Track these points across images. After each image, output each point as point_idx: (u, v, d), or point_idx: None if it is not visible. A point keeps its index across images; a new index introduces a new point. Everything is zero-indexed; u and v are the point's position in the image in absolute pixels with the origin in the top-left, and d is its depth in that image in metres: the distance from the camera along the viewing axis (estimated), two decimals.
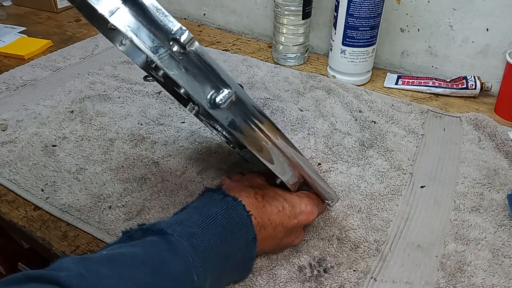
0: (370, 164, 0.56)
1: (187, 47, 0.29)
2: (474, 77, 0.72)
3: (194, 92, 0.31)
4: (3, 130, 0.63)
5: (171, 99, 0.70)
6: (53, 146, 0.59)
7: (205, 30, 1.01)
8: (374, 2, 0.66)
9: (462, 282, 0.41)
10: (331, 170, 0.55)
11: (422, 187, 0.53)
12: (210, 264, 0.34)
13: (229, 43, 0.94)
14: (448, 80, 0.74)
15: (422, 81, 0.75)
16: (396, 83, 0.76)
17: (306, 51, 0.84)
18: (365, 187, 0.52)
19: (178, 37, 0.29)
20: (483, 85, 0.70)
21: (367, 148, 0.59)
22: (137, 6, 0.28)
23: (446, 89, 0.72)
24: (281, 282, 0.41)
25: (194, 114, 0.45)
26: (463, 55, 0.74)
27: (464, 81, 0.72)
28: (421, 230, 0.47)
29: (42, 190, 0.52)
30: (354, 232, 0.46)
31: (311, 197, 0.44)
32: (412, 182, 0.53)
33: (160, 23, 0.29)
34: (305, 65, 0.84)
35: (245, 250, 0.38)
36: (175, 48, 0.29)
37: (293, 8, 0.75)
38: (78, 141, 0.60)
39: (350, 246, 0.45)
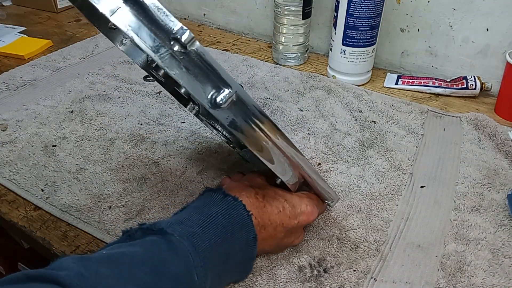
0: (370, 164, 0.56)
1: (188, 47, 0.29)
2: (474, 77, 0.72)
3: (194, 91, 0.31)
4: (3, 130, 0.63)
5: (171, 99, 0.70)
6: (53, 146, 0.59)
7: (205, 30, 1.01)
8: (374, 2, 0.66)
9: (462, 282, 0.41)
10: (331, 170, 0.55)
11: (422, 187, 0.53)
12: (211, 264, 0.34)
13: (229, 43, 0.94)
14: (448, 80, 0.74)
15: (422, 81, 0.75)
16: (396, 83, 0.76)
17: (306, 51, 0.84)
18: (365, 187, 0.52)
19: (179, 37, 0.29)
20: (483, 85, 0.71)
21: (367, 148, 0.59)
22: (138, 6, 0.28)
23: (446, 89, 0.72)
24: (281, 282, 0.41)
25: (194, 114, 0.45)
26: (463, 55, 0.74)
27: (464, 81, 0.72)
28: (421, 230, 0.47)
29: (42, 190, 0.52)
30: (354, 232, 0.46)
31: (311, 197, 0.44)
32: (412, 182, 0.53)
33: (161, 22, 0.29)
34: (305, 65, 0.84)
35: (246, 250, 0.38)
36: (176, 48, 0.29)
37: (293, 8, 0.75)
38: (78, 141, 0.60)
39: (350, 246, 0.45)
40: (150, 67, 0.43)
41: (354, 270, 0.42)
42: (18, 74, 0.78)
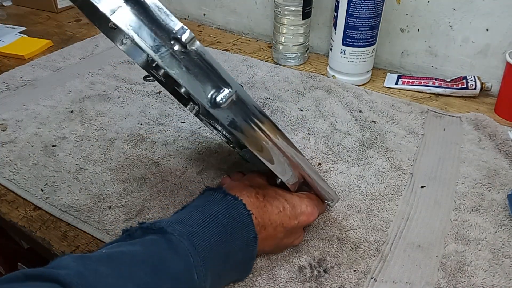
0: (370, 164, 0.56)
1: (188, 46, 0.29)
2: (474, 77, 0.72)
3: (194, 91, 0.31)
4: (3, 130, 0.63)
5: (171, 99, 0.70)
6: (53, 146, 0.59)
7: (205, 30, 1.01)
8: (374, 2, 0.66)
9: (462, 282, 0.41)
10: (331, 170, 0.55)
11: (422, 187, 0.53)
12: (211, 264, 0.34)
13: (229, 43, 0.94)
14: (448, 80, 0.74)
15: (422, 81, 0.75)
16: (396, 83, 0.76)
17: (306, 51, 0.84)
18: (365, 187, 0.52)
19: (179, 36, 0.29)
20: (483, 85, 0.71)
21: (367, 148, 0.59)
22: (138, 5, 0.28)
23: (446, 89, 0.72)
24: (281, 283, 0.41)
25: (194, 114, 0.45)
26: (463, 55, 0.74)
27: (464, 81, 0.72)
28: (422, 230, 0.47)
29: (42, 190, 0.52)
30: (354, 232, 0.46)
31: (312, 198, 0.44)
32: (412, 182, 0.53)
33: (161, 22, 0.29)
34: (305, 65, 0.84)
35: (246, 250, 0.38)
36: (176, 47, 0.29)
37: (293, 8, 0.75)
38: (78, 141, 0.60)
39: (350, 246, 0.45)
40: (150, 67, 0.43)
41: (354, 271, 0.42)
42: (18, 74, 0.78)
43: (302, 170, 0.40)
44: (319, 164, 0.56)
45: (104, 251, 0.32)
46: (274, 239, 0.41)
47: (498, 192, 0.51)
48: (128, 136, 0.61)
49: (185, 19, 1.07)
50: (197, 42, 0.30)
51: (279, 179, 0.40)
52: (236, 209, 0.37)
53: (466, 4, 0.70)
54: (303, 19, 0.77)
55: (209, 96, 0.31)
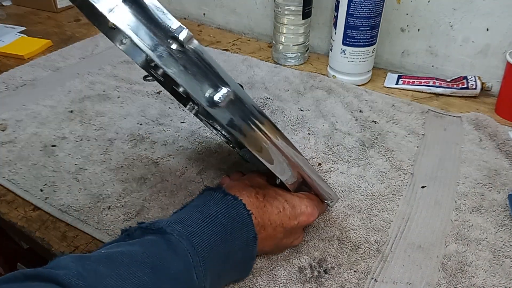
0: (371, 164, 0.56)
1: (185, 45, 0.29)
2: (474, 77, 0.72)
3: (192, 90, 0.31)
4: (3, 130, 0.63)
5: (171, 99, 0.70)
6: (53, 146, 0.59)
7: (205, 30, 1.01)
8: (374, 2, 0.66)
9: (463, 282, 0.41)
10: (331, 170, 0.55)
11: (423, 187, 0.52)
12: (210, 264, 0.34)
13: (229, 43, 0.94)
14: (448, 80, 0.74)
15: (423, 81, 0.75)
16: (397, 83, 0.75)
17: (306, 51, 0.84)
18: (365, 187, 0.52)
19: (177, 35, 0.29)
20: (484, 85, 0.70)
21: (367, 148, 0.59)
22: (136, 5, 0.28)
23: (447, 89, 0.72)
24: (281, 283, 0.41)
25: (194, 114, 0.45)
26: (463, 55, 0.74)
27: (465, 81, 0.72)
28: (422, 230, 0.47)
29: (41, 190, 0.52)
30: (354, 232, 0.46)
31: (312, 198, 0.44)
32: (412, 182, 0.53)
33: (159, 21, 0.29)
34: (305, 65, 0.84)
35: (245, 250, 0.38)
36: (174, 46, 0.29)
37: (293, 8, 0.75)
38: (77, 141, 0.60)
39: (351, 246, 0.45)
40: (149, 67, 0.43)
41: (355, 271, 0.42)
42: (18, 74, 0.78)
43: (301, 170, 0.40)
44: (319, 164, 0.56)
45: (103, 251, 0.32)
46: (274, 239, 0.41)
47: (499, 192, 0.51)
48: (127, 136, 0.61)
49: (185, 19, 1.07)
50: (195, 41, 0.30)
51: (279, 179, 0.40)
52: (236, 209, 0.37)
53: (466, 4, 0.70)
54: (303, 18, 0.77)
55: (206, 95, 0.31)
